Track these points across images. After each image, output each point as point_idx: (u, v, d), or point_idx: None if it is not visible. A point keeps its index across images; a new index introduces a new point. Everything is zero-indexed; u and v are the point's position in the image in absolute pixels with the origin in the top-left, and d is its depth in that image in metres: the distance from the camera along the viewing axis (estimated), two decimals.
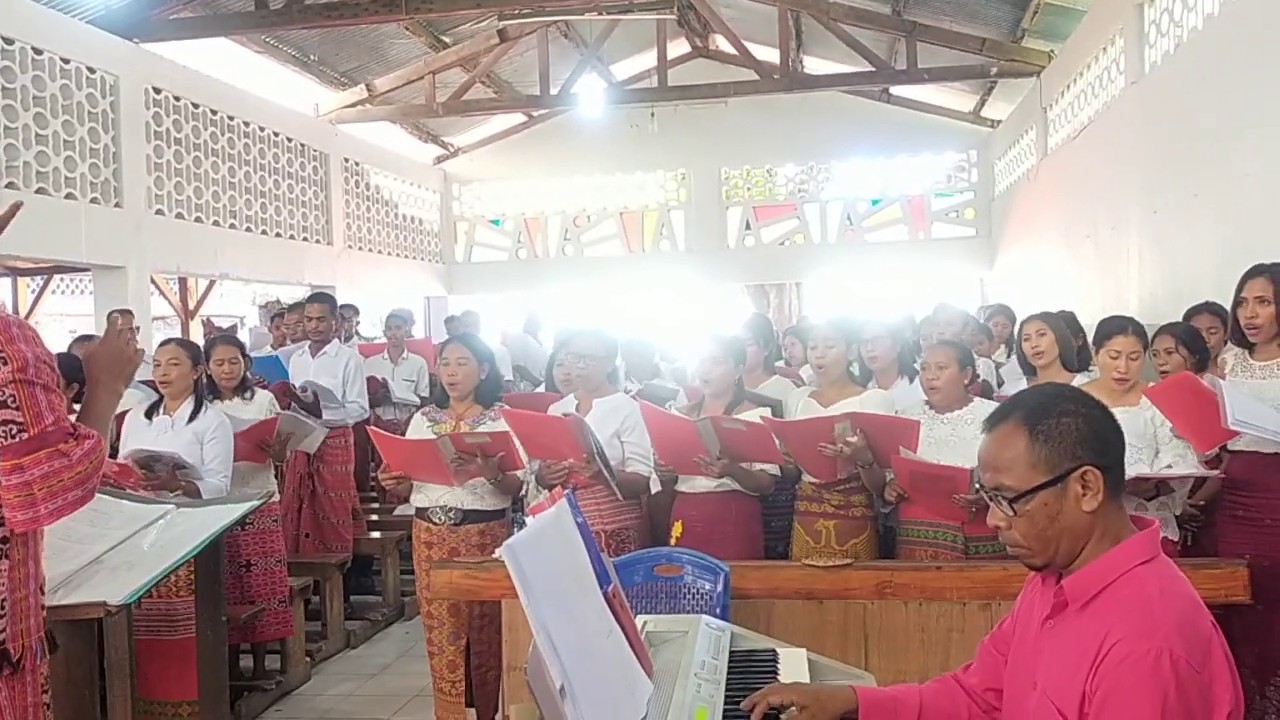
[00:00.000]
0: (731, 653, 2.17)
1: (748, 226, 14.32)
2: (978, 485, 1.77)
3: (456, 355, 4.12)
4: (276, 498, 5.14)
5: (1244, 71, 5.35)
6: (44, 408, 2.07)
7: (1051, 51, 9.82)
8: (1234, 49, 5.53)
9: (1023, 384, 4.11)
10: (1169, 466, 3.55)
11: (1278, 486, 3.47)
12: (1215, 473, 3.67)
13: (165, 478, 4.27)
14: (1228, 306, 3.74)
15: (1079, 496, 1.65)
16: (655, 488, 4.05)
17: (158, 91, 8.56)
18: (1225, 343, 3.76)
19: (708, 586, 3.14)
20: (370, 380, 6.83)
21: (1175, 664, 1.50)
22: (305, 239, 10.98)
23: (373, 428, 4.20)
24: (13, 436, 2.05)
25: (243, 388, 5.13)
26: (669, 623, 2.31)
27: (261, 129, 10.16)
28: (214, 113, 9.37)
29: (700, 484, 3.90)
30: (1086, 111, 8.86)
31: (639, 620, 2.23)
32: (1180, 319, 4.55)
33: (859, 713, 1.88)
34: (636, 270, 14.44)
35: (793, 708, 1.85)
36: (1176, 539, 3.69)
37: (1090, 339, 4.15)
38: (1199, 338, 4.27)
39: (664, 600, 3.16)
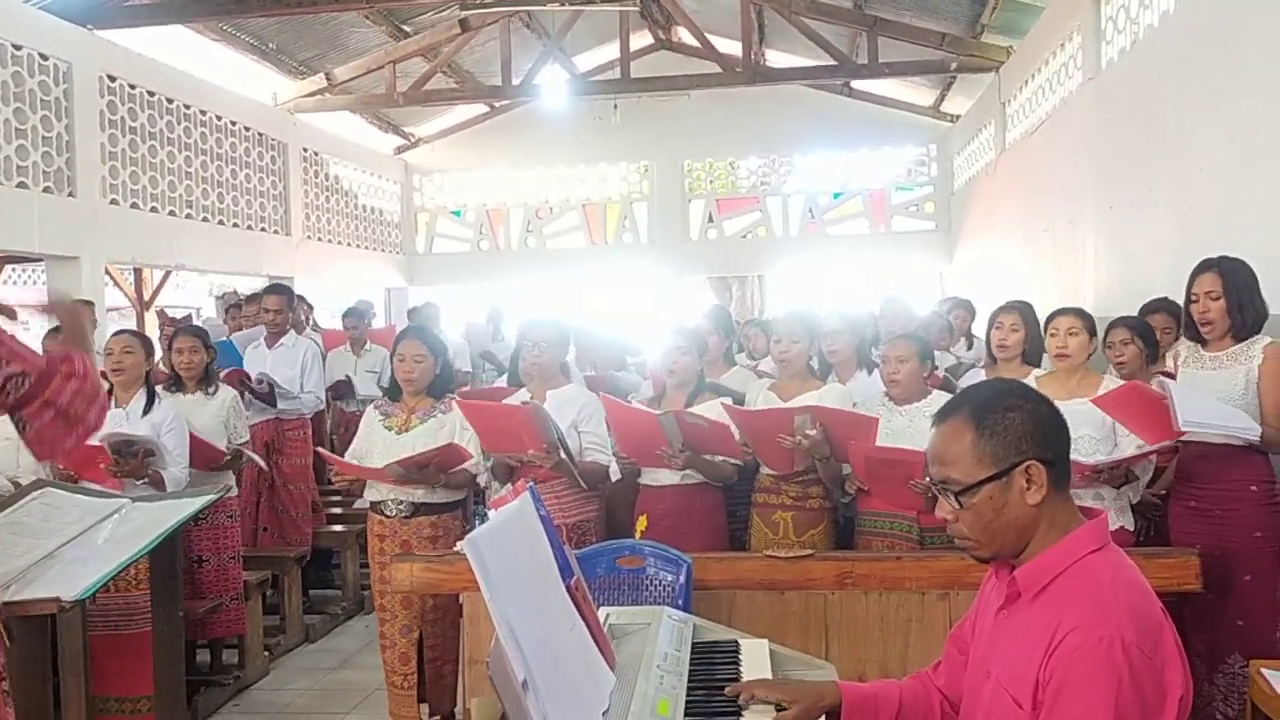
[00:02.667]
0: (694, 644, 2.18)
1: (710, 219, 14.34)
2: (927, 479, 1.79)
3: (413, 353, 4.11)
4: (234, 492, 5.09)
5: (1199, 69, 5.43)
6: (28, 352, 2.17)
7: (1010, 47, 9.91)
8: (1189, 46, 5.61)
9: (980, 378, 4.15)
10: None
11: (1227, 478, 3.54)
12: (1168, 444, 3.72)
13: (134, 464, 4.23)
14: (1181, 302, 3.81)
15: (1023, 490, 1.68)
16: (615, 475, 4.06)
17: (112, 79, 8.40)
18: (1178, 339, 3.83)
19: (670, 578, 3.14)
20: (336, 383, 6.79)
21: (1127, 650, 1.52)
22: (263, 229, 10.85)
23: (321, 450, 4.21)
24: (22, 386, 2.13)
25: (206, 381, 5.07)
26: (632, 615, 2.31)
27: (219, 118, 10.01)
28: (170, 101, 9.22)
29: (664, 477, 3.91)
30: (1044, 107, 8.96)
31: (602, 612, 2.23)
32: (1136, 314, 4.62)
33: (842, 709, 1.90)
34: (599, 262, 14.41)
35: (783, 708, 1.86)
36: (1133, 528, 3.75)
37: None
38: (1152, 331, 4.35)
39: (626, 592, 3.16)
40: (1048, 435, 1.70)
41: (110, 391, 4.47)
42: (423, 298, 12.29)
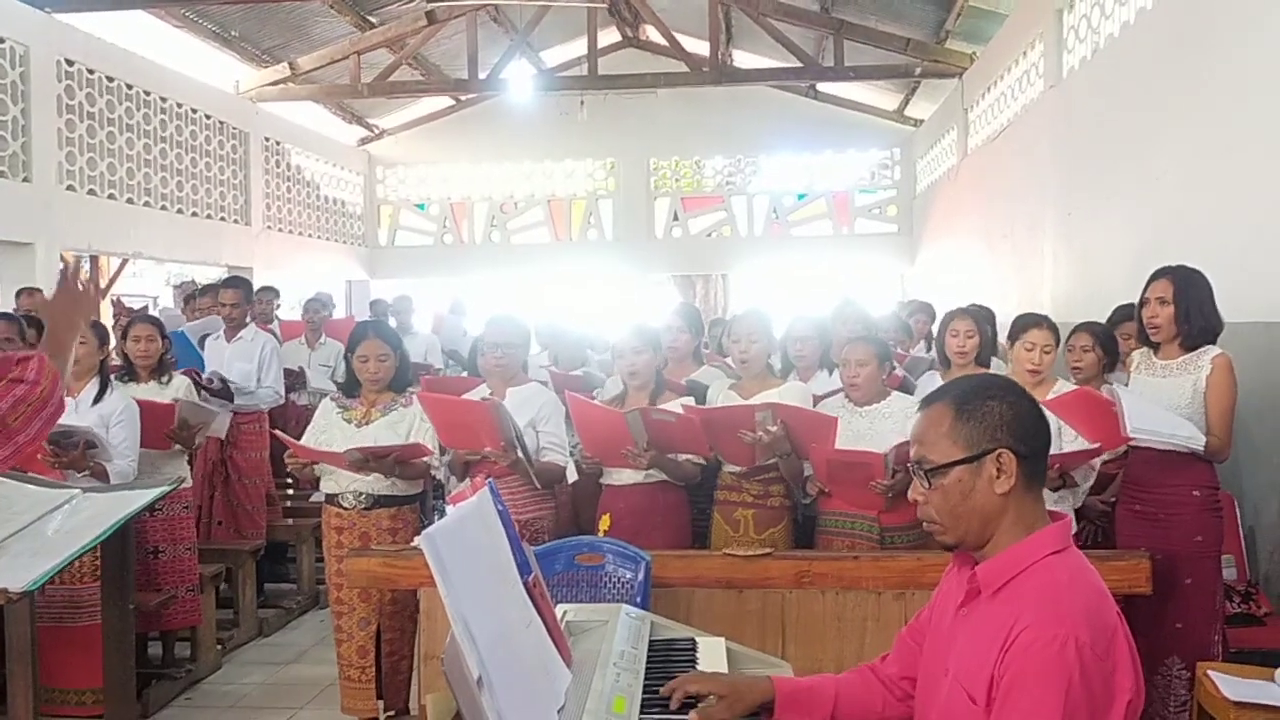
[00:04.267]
0: (651, 642, 2.18)
1: (675, 217, 14.37)
2: (908, 465, 1.81)
3: (377, 352, 4.07)
4: (188, 484, 5.02)
5: (1158, 78, 5.52)
6: None
7: (974, 54, 10.02)
8: (1149, 56, 5.70)
9: (934, 385, 4.16)
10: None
11: (1171, 483, 3.59)
12: (1114, 453, 3.77)
13: (74, 456, 4.14)
14: None
15: (992, 478, 1.70)
16: (572, 477, 4.05)
17: (70, 64, 8.27)
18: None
19: (628, 575, 3.14)
20: (288, 373, 6.69)
21: (1080, 650, 1.54)
22: (223, 218, 10.72)
23: (277, 431, 4.14)
24: None
25: (160, 370, 5.00)
26: (589, 612, 2.31)
27: (179, 105, 9.88)
28: (129, 87, 9.08)
29: (627, 476, 3.91)
30: (1006, 113, 9.06)
31: (559, 610, 2.23)
32: (1093, 319, 4.67)
33: (776, 703, 1.91)
34: (564, 258, 14.39)
35: (711, 697, 1.86)
36: (1075, 531, 3.79)
37: (1005, 336, 4.26)
38: (1113, 339, 4.40)
39: (585, 589, 3.16)
40: (1025, 429, 1.73)
41: None
42: (384, 291, 12.21)
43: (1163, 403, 3.58)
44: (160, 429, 4.70)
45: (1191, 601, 3.55)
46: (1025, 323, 3.94)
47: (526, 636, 1.81)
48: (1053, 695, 1.53)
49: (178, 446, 4.85)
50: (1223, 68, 4.74)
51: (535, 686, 1.75)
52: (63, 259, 6.15)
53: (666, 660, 2.11)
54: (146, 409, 4.60)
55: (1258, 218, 4.35)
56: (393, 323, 8.10)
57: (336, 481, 4.04)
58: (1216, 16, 4.83)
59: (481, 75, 11.16)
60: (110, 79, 8.81)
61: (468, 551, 1.73)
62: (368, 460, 3.83)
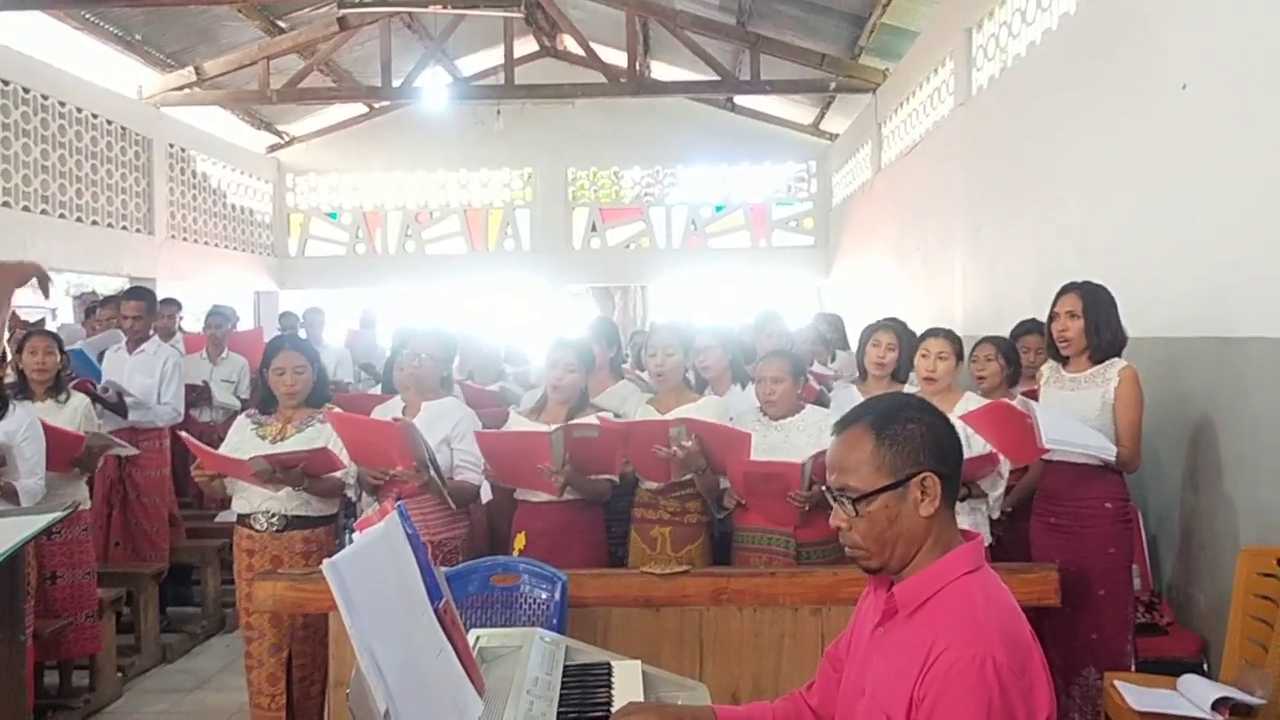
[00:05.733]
0: (566, 667, 2.14)
1: (594, 228, 14.35)
2: (823, 486, 1.80)
3: (294, 364, 3.96)
4: (87, 505, 4.82)
5: (1063, 98, 5.66)
6: None
7: (887, 70, 10.20)
8: (1054, 76, 5.85)
9: (849, 397, 4.19)
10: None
11: (1085, 496, 3.67)
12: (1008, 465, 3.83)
13: None
14: None
15: (918, 501, 1.70)
16: (486, 496, 3.98)
17: None
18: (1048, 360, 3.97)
19: (544, 595, 3.09)
20: (189, 388, 6.46)
21: (999, 670, 1.55)
22: (124, 227, 10.38)
23: (185, 435, 3.97)
24: None
25: (57, 388, 4.79)
26: (503, 637, 2.26)
27: (79, 110, 9.54)
28: (26, 91, 8.75)
29: (542, 493, 3.85)
30: (918, 129, 9.23)
31: (472, 635, 2.17)
32: (1003, 333, 4.78)
33: None
34: (480, 269, 14.25)
35: None
36: (989, 544, 3.85)
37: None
38: (1015, 351, 4.53)
39: (500, 610, 3.10)
40: (944, 449, 1.74)
41: None
42: (295, 302, 11.95)
43: (1073, 415, 3.66)
44: (65, 455, 4.52)
45: (1105, 612, 3.62)
46: (923, 333, 4.06)
47: (436, 666, 1.76)
48: (975, 716, 1.54)
49: (77, 470, 4.67)
50: (1125, 88, 4.88)
51: (445, 718, 1.70)
52: None
53: (581, 686, 2.08)
54: (53, 434, 4.42)
55: (1158, 235, 4.48)
56: (303, 334, 7.91)
57: (249, 501, 3.90)
58: (1119, 39, 4.98)
59: (395, 82, 11.00)
60: (5, 82, 8.48)
61: (374, 579, 1.67)
62: (274, 471, 3.69)
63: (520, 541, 3.75)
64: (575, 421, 3.76)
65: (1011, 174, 6.54)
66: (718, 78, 10.86)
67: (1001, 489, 3.84)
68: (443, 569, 2.64)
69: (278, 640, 3.87)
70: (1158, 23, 4.56)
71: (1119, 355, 3.74)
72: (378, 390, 5.75)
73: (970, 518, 3.74)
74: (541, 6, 10.80)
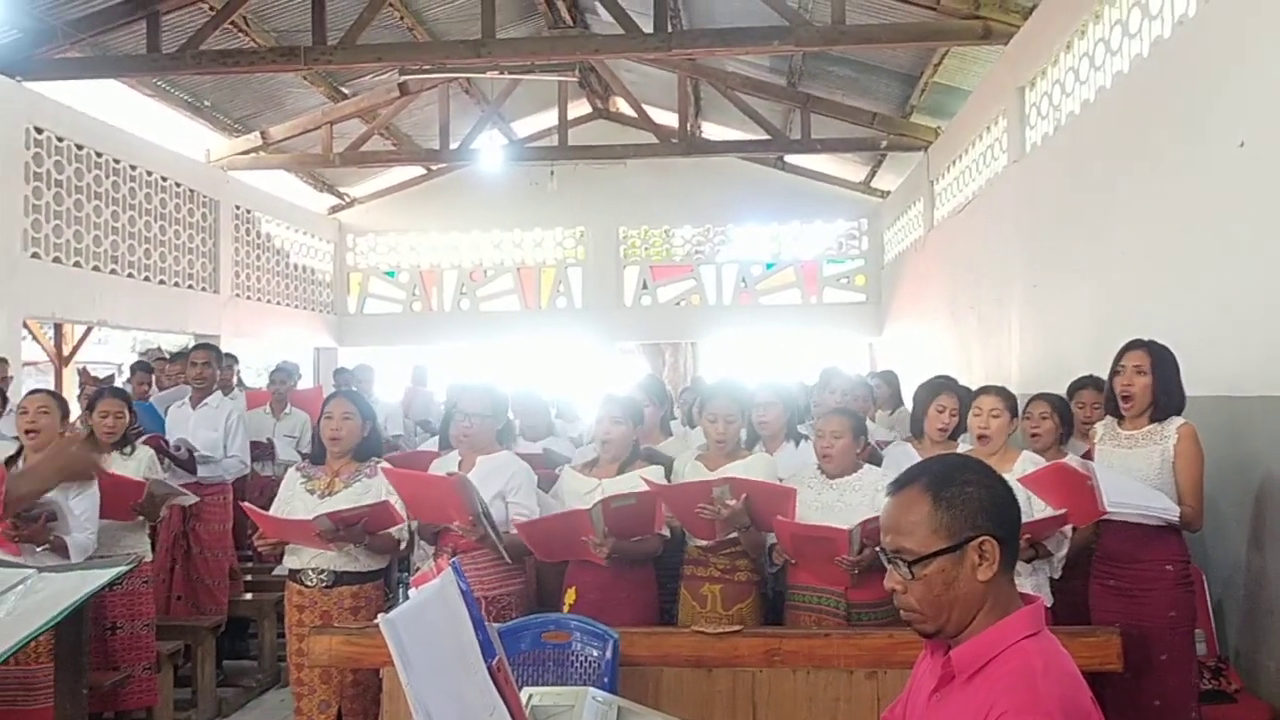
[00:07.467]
0: None
1: (644, 286, 14.45)
2: (877, 548, 1.77)
3: (341, 410, 4.03)
4: (148, 557, 4.90)
5: (1117, 155, 5.64)
6: None
7: (939, 128, 10.22)
8: (1108, 134, 5.83)
9: (906, 455, 4.16)
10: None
11: (1145, 558, 3.59)
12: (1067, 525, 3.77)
13: (34, 529, 4.03)
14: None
15: (975, 565, 1.67)
16: None
17: (39, 131, 8.26)
18: (1105, 416, 3.91)
19: (596, 654, 3.09)
20: (253, 444, 6.59)
21: None
22: (190, 286, 10.66)
23: (246, 504, 4.04)
24: None
25: (123, 442, 4.91)
26: (555, 696, 2.26)
27: (149, 173, 9.88)
28: (99, 155, 9.08)
29: None
30: (971, 187, 9.22)
31: (524, 694, 2.18)
32: (1061, 389, 4.72)
33: None
34: (533, 327, 14.41)
35: None
36: (1050, 604, 3.77)
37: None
38: (1069, 408, 4.47)
39: (551, 668, 3.09)
40: (1002, 512, 1.71)
41: (20, 453, 4.30)
42: (353, 358, 12.14)
43: (1131, 473, 3.60)
44: (126, 502, 4.61)
45: (1168, 678, 3.53)
46: (976, 391, 4.04)
47: None
48: None
49: (141, 518, 4.75)
50: (1181, 145, 4.85)
51: None
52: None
53: None
54: (114, 483, 4.50)
55: (1217, 294, 4.42)
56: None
57: (299, 556, 3.94)
58: (1174, 95, 4.96)
59: (453, 145, 11.26)
60: (80, 146, 8.81)
61: (429, 635, 1.69)
62: (338, 529, 3.73)
63: (571, 597, 3.74)
64: (612, 494, 3.73)
65: (1067, 231, 6.50)
66: (768, 137, 10.97)
67: (1066, 549, 3.77)
68: (495, 625, 2.65)
69: (327, 697, 3.88)
70: (1213, 79, 4.55)
71: (1179, 414, 3.67)
72: (434, 445, 5.80)
73: (1032, 579, 3.68)
74: (595, 70, 11.03)
